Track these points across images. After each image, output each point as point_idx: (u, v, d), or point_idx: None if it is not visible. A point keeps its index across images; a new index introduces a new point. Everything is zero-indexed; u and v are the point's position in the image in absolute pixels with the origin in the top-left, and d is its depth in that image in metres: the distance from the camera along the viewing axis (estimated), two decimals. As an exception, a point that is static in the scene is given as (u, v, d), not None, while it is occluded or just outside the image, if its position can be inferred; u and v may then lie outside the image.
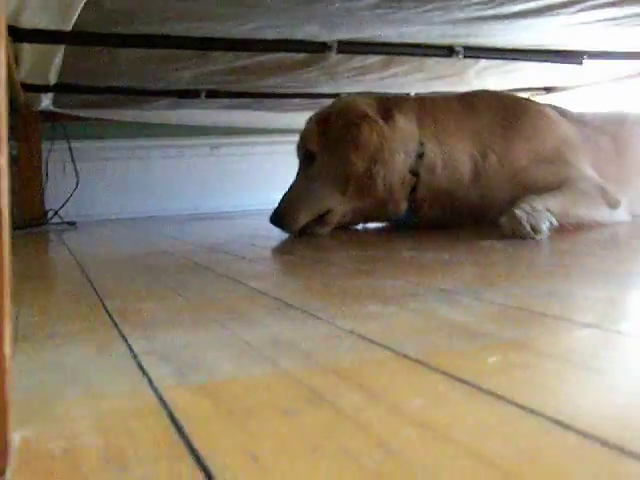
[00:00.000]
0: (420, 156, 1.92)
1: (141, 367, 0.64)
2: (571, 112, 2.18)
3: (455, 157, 1.93)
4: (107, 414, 0.52)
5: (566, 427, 0.44)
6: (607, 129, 2.15)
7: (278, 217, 1.96)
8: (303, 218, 1.95)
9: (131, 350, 0.71)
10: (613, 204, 1.92)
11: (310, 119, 2.06)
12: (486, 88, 3.21)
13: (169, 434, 0.47)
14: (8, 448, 0.44)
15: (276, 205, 2.00)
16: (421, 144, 1.92)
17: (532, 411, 0.48)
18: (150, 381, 0.60)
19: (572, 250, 1.47)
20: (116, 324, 0.85)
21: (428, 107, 2.00)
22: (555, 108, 2.15)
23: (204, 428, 0.48)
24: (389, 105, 1.96)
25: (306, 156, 2.01)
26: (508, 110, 2.02)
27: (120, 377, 0.62)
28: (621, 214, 1.93)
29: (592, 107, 2.89)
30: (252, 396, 0.55)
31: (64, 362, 0.68)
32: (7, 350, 0.41)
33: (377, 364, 0.62)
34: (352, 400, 0.52)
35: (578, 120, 2.13)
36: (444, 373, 0.58)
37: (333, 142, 1.92)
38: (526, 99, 2.16)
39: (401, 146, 1.90)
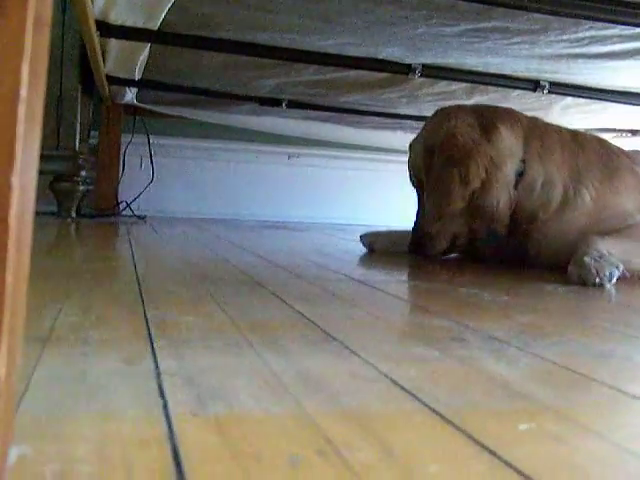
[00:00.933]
0: (520, 174, 1.89)
1: (161, 389, 0.62)
2: None
3: (552, 181, 1.90)
4: (111, 439, 0.50)
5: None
6: None
7: (418, 245, 2.00)
8: (443, 243, 1.99)
9: (157, 367, 0.69)
10: None
11: (414, 147, 2.03)
12: (577, 128, 3.19)
13: (167, 472, 0.45)
14: (3, 465, 0.42)
15: (411, 234, 2.07)
16: (523, 161, 1.89)
17: (553, 496, 0.45)
18: (165, 406, 0.58)
19: (636, 305, 1.42)
20: (150, 336, 0.83)
21: (540, 127, 1.97)
22: None
23: (204, 469, 0.46)
24: (493, 118, 1.91)
25: (419, 186, 2.00)
26: (611, 160, 1.97)
27: (138, 398, 0.60)
28: None
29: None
30: (263, 438, 0.52)
31: (87, 374, 0.67)
32: (2, 371, 0.40)
33: (403, 416, 0.59)
34: (365, 456, 0.49)
35: None
36: (470, 436, 0.54)
37: (439, 176, 1.89)
38: (628, 153, 2.09)
39: (507, 162, 1.87)
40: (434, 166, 1.91)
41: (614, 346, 0.95)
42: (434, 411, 0.60)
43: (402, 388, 0.66)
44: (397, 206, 3.93)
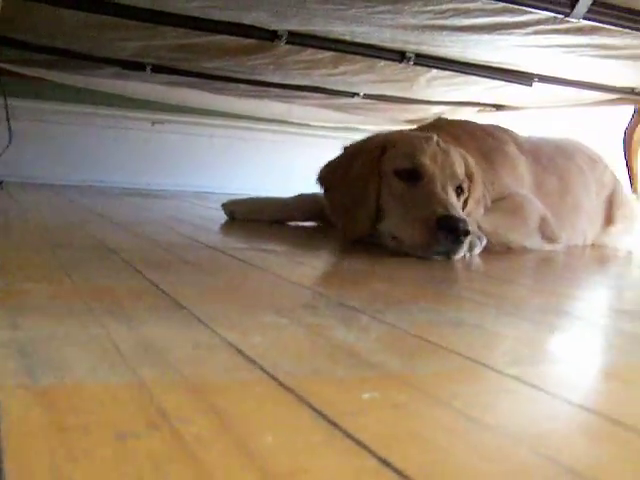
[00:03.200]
0: None
1: (-9, 360, 0.59)
2: (526, 145, 2.17)
3: None
4: None
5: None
6: (554, 166, 2.15)
7: None
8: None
9: (-10, 338, 0.65)
10: (553, 239, 1.95)
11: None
12: (440, 99, 3.23)
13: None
14: None
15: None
16: None
17: (388, 465, 0.43)
18: (-8, 378, 0.54)
19: (495, 276, 1.44)
20: (-10, 305, 0.79)
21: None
22: (516, 141, 2.14)
23: (24, 445, 0.43)
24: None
25: None
26: (483, 143, 2.02)
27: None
28: (556, 246, 1.94)
29: (540, 130, 2.89)
30: (93, 410, 0.49)
31: None
32: None
33: (243, 386, 0.57)
34: (199, 428, 0.47)
35: (532, 157, 2.13)
36: (310, 406, 0.53)
37: None
38: (492, 133, 2.13)
39: None
40: None
41: (467, 314, 0.95)
42: (276, 380, 0.58)
43: (245, 357, 0.64)
44: (263, 175, 3.92)
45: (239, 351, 0.66)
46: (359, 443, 0.46)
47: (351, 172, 1.74)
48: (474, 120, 2.20)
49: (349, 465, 0.43)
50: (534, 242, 1.90)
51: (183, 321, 0.78)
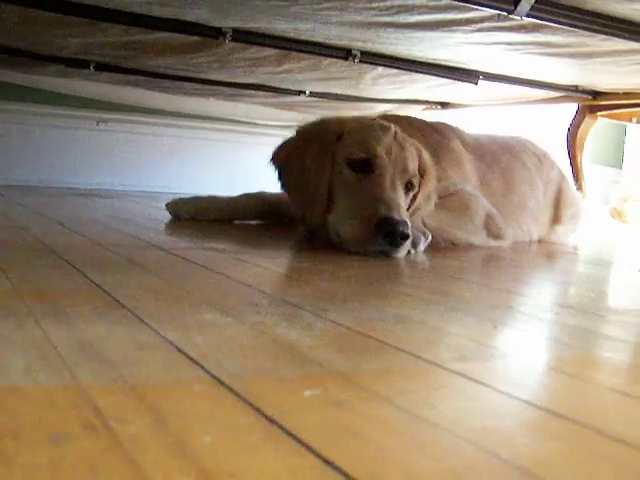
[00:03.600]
0: None
1: None
2: (472, 143, 2.17)
3: None
4: None
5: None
6: (499, 164, 2.16)
7: None
8: None
9: None
10: (498, 235, 1.98)
11: None
12: (386, 97, 3.23)
13: None
14: None
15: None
16: None
17: (328, 463, 0.43)
18: None
19: (440, 272, 1.44)
20: None
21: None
22: (462, 138, 2.15)
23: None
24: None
25: None
26: (429, 140, 2.01)
27: None
28: (501, 243, 1.96)
29: (486, 127, 2.91)
30: (28, 413, 0.48)
31: None
32: None
33: (183, 386, 0.56)
34: (136, 429, 0.46)
35: (478, 154, 2.14)
36: (251, 405, 0.52)
37: None
38: (438, 129, 2.13)
39: None
40: None
41: (411, 311, 0.95)
42: (217, 379, 0.57)
43: (186, 356, 0.63)
44: (209, 174, 3.90)
45: (180, 350, 0.65)
46: (299, 442, 0.46)
47: (305, 157, 1.71)
48: (420, 118, 2.21)
49: (289, 464, 0.43)
50: (480, 239, 1.91)
51: (124, 321, 0.76)
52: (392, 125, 1.76)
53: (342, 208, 1.61)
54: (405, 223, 1.50)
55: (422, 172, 1.75)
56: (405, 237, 1.49)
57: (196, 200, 2.20)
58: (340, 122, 1.79)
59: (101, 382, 0.55)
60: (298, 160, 1.73)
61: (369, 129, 1.73)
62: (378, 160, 1.63)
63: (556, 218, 2.34)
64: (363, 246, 1.52)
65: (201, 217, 2.12)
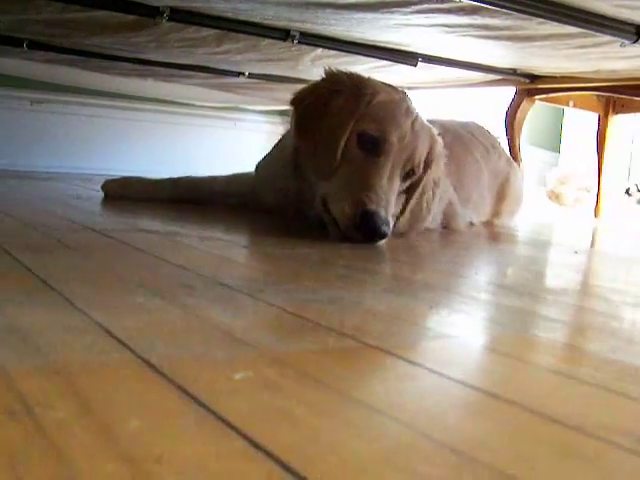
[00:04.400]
0: None
1: None
2: None
3: None
4: None
5: (293, 474, 0.38)
6: (451, 157, 2.15)
7: None
8: None
9: None
10: (452, 225, 2.01)
11: None
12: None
13: None
14: None
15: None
16: None
17: (257, 446, 0.42)
18: None
19: (377, 254, 1.44)
20: None
21: None
22: None
23: None
24: None
25: None
26: None
27: None
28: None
29: (425, 110, 2.91)
30: (-54, 400, 0.46)
31: None
32: None
33: (110, 369, 0.54)
34: (61, 414, 0.45)
35: None
36: (181, 388, 0.51)
37: None
38: None
39: None
40: None
41: (345, 292, 0.94)
42: (146, 362, 0.56)
43: (115, 339, 0.62)
44: (148, 155, 3.85)
45: (109, 333, 0.64)
46: (229, 425, 0.45)
47: (332, 105, 1.65)
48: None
49: (217, 448, 0.42)
50: (434, 225, 1.91)
51: (53, 304, 0.74)
52: (415, 111, 1.73)
53: (339, 180, 1.58)
54: (387, 222, 1.49)
55: (429, 160, 1.73)
56: (383, 236, 1.48)
57: (131, 180, 2.27)
58: (374, 87, 1.71)
59: (25, 367, 0.53)
60: (325, 106, 1.65)
61: (394, 109, 1.69)
62: (388, 146, 1.59)
63: (495, 213, 2.36)
64: (342, 231, 1.50)
65: (136, 196, 2.17)
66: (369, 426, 0.47)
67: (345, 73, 1.76)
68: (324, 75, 1.76)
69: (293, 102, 1.74)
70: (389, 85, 1.81)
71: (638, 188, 4.63)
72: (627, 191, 4.51)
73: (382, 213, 1.49)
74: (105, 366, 0.55)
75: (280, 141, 2.11)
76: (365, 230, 1.46)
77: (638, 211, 3.97)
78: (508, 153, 2.76)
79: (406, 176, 1.66)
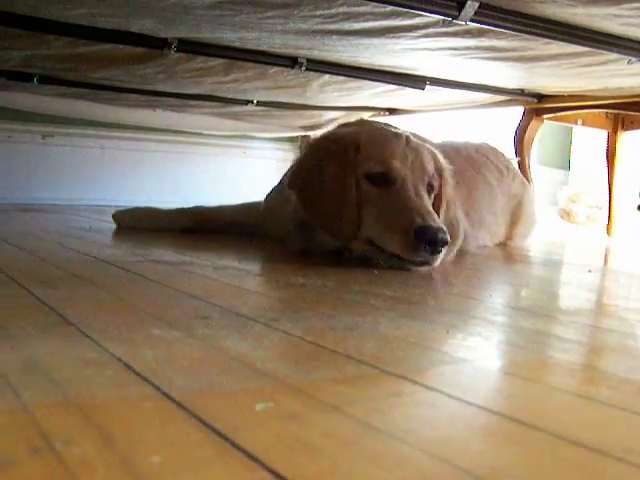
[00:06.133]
0: None
1: None
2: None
3: None
4: None
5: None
6: (463, 180, 2.14)
7: None
8: None
9: None
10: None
11: None
12: (334, 104, 3.24)
13: None
14: None
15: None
16: None
17: (280, 477, 0.42)
18: None
19: (391, 279, 1.44)
20: None
21: None
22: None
23: None
24: None
25: None
26: None
27: None
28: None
29: (434, 133, 2.92)
30: (-31, 438, 0.46)
31: None
32: None
33: (131, 403, 0.54)
34: (82, 450, 0.45)
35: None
36: (201, 421, 0.51)
37: None
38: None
39: None
40: None
41: (361, 318, 0.94)
42: (166, 395, 0.56)
43: (134, 372, 0.62)
44: (156, 185, 3.86)
45: (128, 367, 0.64)
46: (251, 456, 0.45)
47: (325, 176, 1.66)
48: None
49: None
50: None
51: (70, 338, 0.75)
52: (403, 132, 1.74)
53: (374, 222, 1.58)
54: (443, 229, 1.50)
55: (439, 173, 1.73)
56: (445, 243, 1.49)
57: (140, 210, 2.35)
58: (353, 134, 1.73)
59: (47, 402, 0.54)
60: (319, 181, 1.67)
61: (382, 140, 1.70)
62: (395, 172, 1.60)
63: (510, 234, 2.36)
64: (404, 258, 1.51)
65: (146, 226, 2.24)
66: (388, 454, 0.47)
67: (324, 138, 1.80)
68: (304, 150, 1.83)
69: (290, 186, 1.76)
70: (365, 121, 1.83)
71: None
72: (639, 207, 4.50)
73: (432, 223, 1.50)
74: (125, 400, 0.55)
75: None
76: (427, 244, 1.47)
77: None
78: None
79: (429, 189, 1.67)
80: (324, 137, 1.80)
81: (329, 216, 1.65)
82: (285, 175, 2.10)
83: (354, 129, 1.80)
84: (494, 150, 2.49)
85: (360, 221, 1.60)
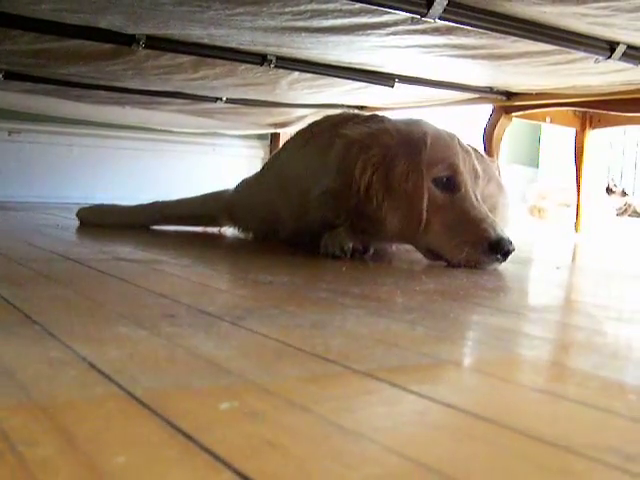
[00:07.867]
0: None
1: None
2: None
3: None
4: None
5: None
6: None
7: None
8: None
9: None
10: None
11: None
12: (303, 101, 3.23)
13: None
14: None
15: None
16: None
17: (245, 478, 0.42)
18: None
19: (360, 277, 1.44)
20: None
21: None
22: None
23: None
24: None
25: None
26: None
27: None
28: None
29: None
30: None
31: None
32: None
33: (95, 403, 0.54)
34: (45, 451, 0.44)
35: None
36: (166, 420, 0.50)
37: None
38: None
39: None
40: None
41: (328, 316, 0.94)
42: (130, 395, 0.56)
43: (99, 372, 0.61)
44: (125, 183, 3.84)
45: (93, 366, 0.63)
46: (215, 457, 0.44)
47: (394, 176, 1.58)
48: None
49: (204, 481, 0.41)
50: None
51: (35, 337, 0.74)
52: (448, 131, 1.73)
53: (439, 231, 1.57)
54: (510, 240, 1.54)
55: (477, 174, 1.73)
56: (510, 253, 1.54)
57: (105, 207, 2.40)
58: (419, 132, 1.66)
59: (8, 403, 0.53)
60: (387, 180, 1.59)
61: (445, 141, 1.67)
62: (461, 177, 1.60)
63: None
64: (472, 266, 1.54)
65: (110, 223, 2.26)
66: (359, 454, 0.47)
67: (389, 134, 1.67)
68: (371, 143, 1.66)
69: (354, 183, 1.62)
70: (415, 120, 1.78)
71: (615, 183, 4.67)
72: (608, 189, 4.55)
73: (503, 234, 1.54)
74: (90, 400, 0.54)
75: (271, 163, 2.12)
76: (502, 255, 1.53)
77: (617, 225, 4.00)
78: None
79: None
80: (388, 133, 1.67)
81: (402, 219, 1.59)
82: (266, 164, 2.09)
83: (415, 125, 1.73)
84: (474, 150, 2.48)
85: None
